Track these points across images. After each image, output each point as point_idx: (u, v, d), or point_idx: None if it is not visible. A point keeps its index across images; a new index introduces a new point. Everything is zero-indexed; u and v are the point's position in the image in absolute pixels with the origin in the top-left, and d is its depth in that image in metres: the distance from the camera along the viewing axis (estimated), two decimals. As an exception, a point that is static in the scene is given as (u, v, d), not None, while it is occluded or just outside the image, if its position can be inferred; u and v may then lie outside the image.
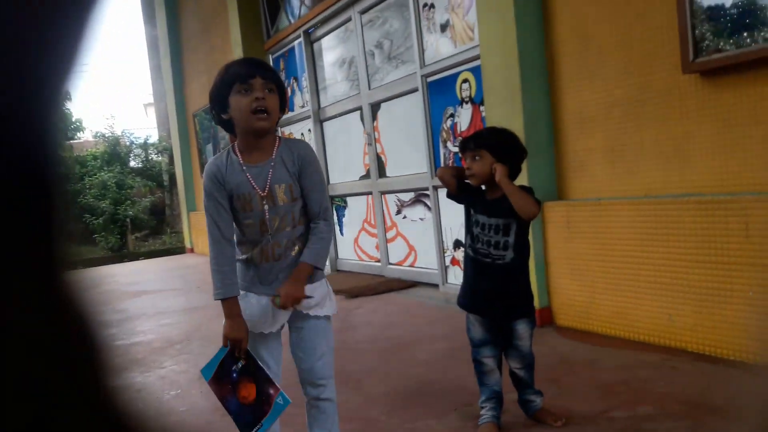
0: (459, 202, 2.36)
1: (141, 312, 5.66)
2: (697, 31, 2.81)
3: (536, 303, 3.56)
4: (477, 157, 2.21)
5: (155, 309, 5.76)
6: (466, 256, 2.33)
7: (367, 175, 6.08)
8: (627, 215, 3.20)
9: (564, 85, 3.61)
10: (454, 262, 4.91)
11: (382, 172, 5.85)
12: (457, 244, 4.84)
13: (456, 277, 4.89)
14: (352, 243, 6.54)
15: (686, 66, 2.85)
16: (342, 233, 6.75)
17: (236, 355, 1.80)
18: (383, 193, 5.84)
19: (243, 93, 1.73)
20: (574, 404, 2.46)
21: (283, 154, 1.82)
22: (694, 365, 2.75)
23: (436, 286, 5.12)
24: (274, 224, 1.81)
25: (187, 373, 3.55)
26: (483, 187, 2.31)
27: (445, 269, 5.02)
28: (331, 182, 6.81)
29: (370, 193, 6.05)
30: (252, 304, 1.84)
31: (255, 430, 1.77)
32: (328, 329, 1.94)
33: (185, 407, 2.97)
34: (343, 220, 6.68)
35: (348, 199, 6.54)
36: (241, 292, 1.84)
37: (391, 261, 5.86)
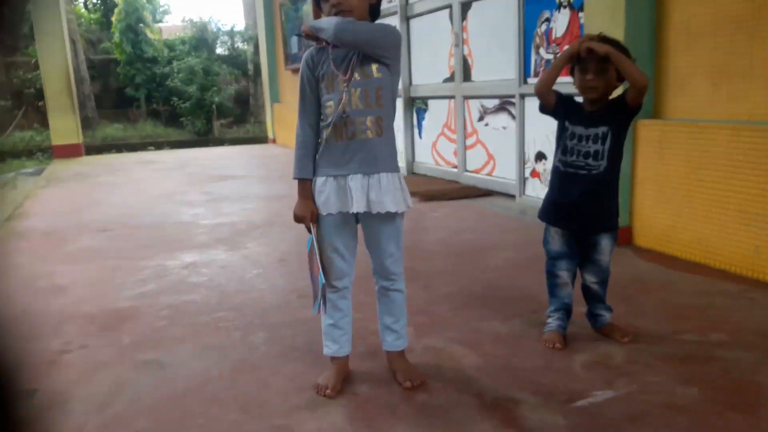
0: (555, 116, 2.29)
1: (225, 195, 5.95)
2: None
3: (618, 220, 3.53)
4: (599, 71, 2.13)
5: (239, 194, 6.03)
6: (555, 170, 2.31)
7: (451, 78, 5.95)
8: (724, 140, 3.03)
9: (676, -6, 3.35)
10: (534, 174, 4.84)
11: (467, 76, 5.70)
12: (539, 156, 4.75)
13: (534, 189, 4.84)
14: (430, 147, 6.53)
15: (821, -21, 2.58)
16: (420, 136, 6.73)
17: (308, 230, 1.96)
18: (466, 98, 5.72)
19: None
20: (644, 323, 2.47)
21: None
22: (774, 299, 2.68)
23: (513, 196, 5.09)
24: (347, 101, 1.86)
25: (269, 255, 3.76)
26: (580, 99, 2.26)
27: (523, 180, 4.96)
28: (413, 83, 6.72)
29: (452, 96, 5.94)
30: (330, 185, 1.92)
31: (314, 304, 1.98)
32: (399, 228, 2.00)
33: (265, 285, 3.18)
34: (423, 123, 6.64)
35: (429, 101, 6.46)
36: (322, 178, 1.93)
37: (468, 168, 5.84)
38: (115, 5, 18.15)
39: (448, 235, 4.09)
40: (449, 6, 5.82)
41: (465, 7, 5.61)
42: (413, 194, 5.37)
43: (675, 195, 3.34)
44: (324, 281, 1.92)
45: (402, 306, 2.09)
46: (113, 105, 17.65)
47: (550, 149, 4.60)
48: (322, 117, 1.95)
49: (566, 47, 2.24)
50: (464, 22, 5.65)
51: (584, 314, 2.42)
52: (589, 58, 2.14)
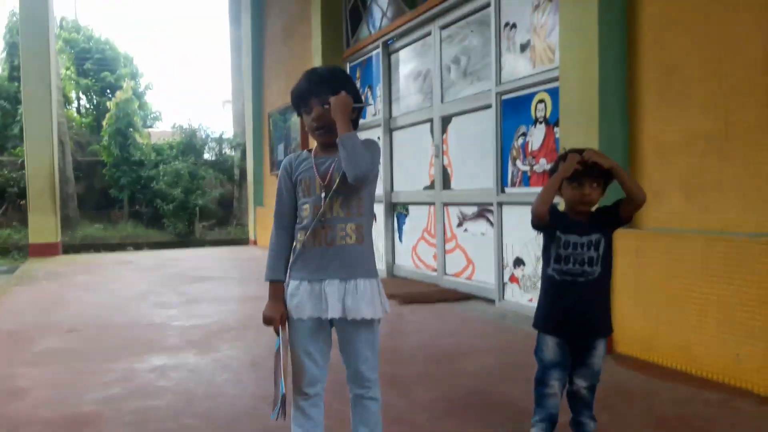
0: (548, 230, 2.27)
1: (200, 297, 5.85)
2: (792, 65, 2.71)
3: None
4: (595, 185, 2.19)
5: (214, 295, 5.94)
6: (550, 279, 2.27)
7: (431, 186, 6.10)
8: (700, 250, 3.09)
9: (644, 113, 3.54)
10: (512, 279, 4.85)
11: (446, 184, 5.85)
12: (517, 262, 4.79)
13: (513, 294, 4.84)
14: (411, 250, 6.57)
15: (777, 101, 2.75)
16: (401, 240, 6.79)
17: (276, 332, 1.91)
18: (446, 204, 5.84)
19: (306, 113, 1.93)
20: (626, 434, 2.39)
21: None
22: (759, 409, 2.63)
23: (492, 301, 5.07)
24: (327, 207, 1.87)
25: (240, 359, 3.64)
26: (561, 209, 2.30)
27: (502, 285, 4.97)
28: (394, 190, 6.87)
29: (432, 203, 6.06)
30: (304, 289, 1.89)
31: (274, 409, 1.88)
32: (375, 333, 1.96)
33: (235, 391, 3.05)
34: (404, 227, 6.72)
35: (410, 207, 6.57)
36: (296, 281, 1.91)
37: (448, 272, 5.85)
38: (108, 110, 18.69)
39: (427, 340, 4.02)
40: (430, 120, 6.07)
41: (445, 121, 5.86)
42: (392, 297, 5.36)
43: (654, 303, 3.35)
44: (284, 388, 1.84)
45: (377, 415, 2.01)
46: (96, 206, 17.68)
47: (527, 255, 4.66)
48: (297, 220, 1.95)
49: (561, 165, 2.21)
50: (444, 135, 5.87)
51: (568, 423, 2.34)
52: (588, 172, 2.20)
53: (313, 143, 2.01)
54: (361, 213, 1.92)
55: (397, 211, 6.84)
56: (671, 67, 3.37)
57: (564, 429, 2.33)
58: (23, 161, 13.14)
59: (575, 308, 2.22)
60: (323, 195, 1.88)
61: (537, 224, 2.29)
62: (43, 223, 10.12)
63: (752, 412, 2.59)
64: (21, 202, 15.04)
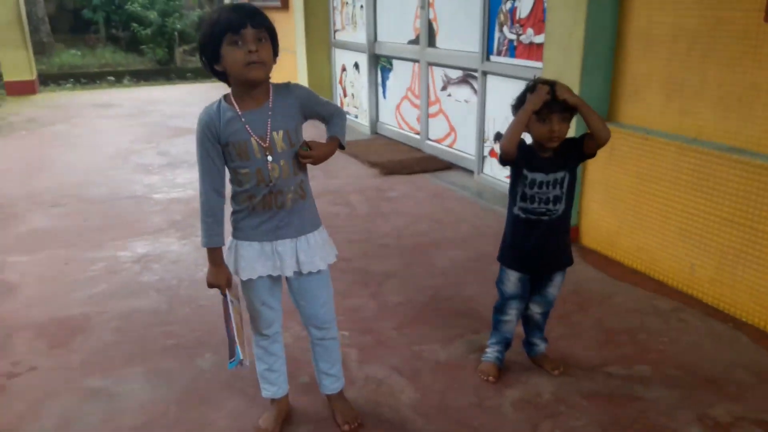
0: (515, 166, 2.23)
1: (181, 158, 5.85)
2: (796, -27, 2.48)
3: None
4: (563, 119, 2.12)
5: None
6: (515, 218, 2.29)
7: (416, 41, 5.82)
8: (671, 156, 3.09)
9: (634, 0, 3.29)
10: (492, 154, 4.86)
11: (432, 41, 5.58)
12: (498, 136, 4.75)
13: (492, 169, 4.88)
14: (394, 109, 6.45)
15: (773, 13, 2.57)
16: (385, 96, 6.64)
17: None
18: (431, 64, 5.62)
19: (235, 45, 1.71)
20: (576, 349, 2.60)
21: (278, 99, 1.83)
22: (704, 321, 2.83)
23: (471, 172, 5.12)
24: (275, 173, 1.83)
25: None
26: (528, 144, 2.25)
27: (482, 159, 4.98)
28: (378, 40, 6.55)
29: (417, 60, 5.83)
30: (255, 250, 1.90)
31: (230, 360, 1.90)
32: (328, 277, 2.03)
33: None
34: (387, 83, 6.53)
35: (394, 62, 6.32)
36: (244, 242, 1.90)
37: (430, 137, 5.82)
38: None
39: (403, 223, 4.14)
40: (416, -35, 5.61)
41: (432, -32, 5.41)
42: (374, 165, 5.41)
43: (621, 201, 3.42)
44: (241, 354, 1.86)
45: (337, 350, 2.16)
46: (69, 29, 16.81)
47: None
48: (235, 183, 1.88)
49: (528, 98, 2.12)
50: (430, -16, 5.47)
51: (521, 341, 2.53)
52: (557, 107, 2.12)
53: (224, 88, 1.84)
54: (303, 168, 1.91)
55: (381, 64, 6.59)
56: (671, -50, 3.07)
57: (517, 343, 2.53)
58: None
59: (538, 246, 2.27)
60: (269, 159, 1.81)
61: (504, 160, 2.26)
62: (15, 59, 9.71)
63: (696, 326, 2.78)
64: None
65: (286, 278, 1.99)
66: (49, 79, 12.50)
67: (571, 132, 2.44)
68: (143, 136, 6.87)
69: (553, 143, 2.17)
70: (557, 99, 2.08)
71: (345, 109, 7.49)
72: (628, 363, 2.50)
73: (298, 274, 1.96)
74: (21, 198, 4.68)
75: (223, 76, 1.81)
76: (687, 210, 3.04)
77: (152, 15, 14.41)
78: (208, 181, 1.85)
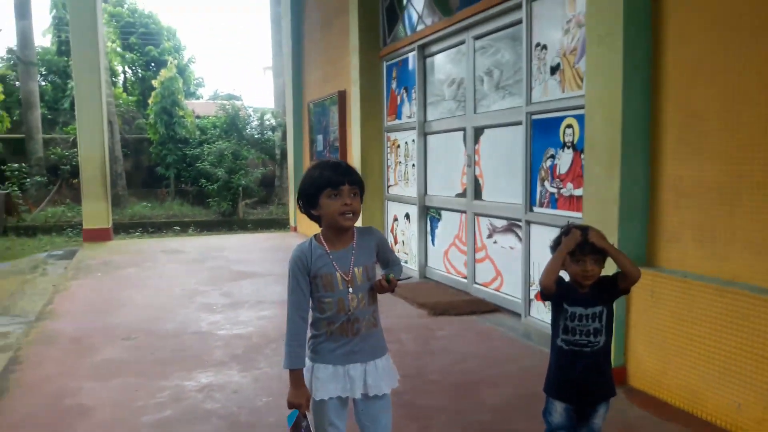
0: (556, 300, 2.46)
1: (243, 299, 6.22)
2: (803, 133, 2.80)
3: (612, 362, 3.70)
4: (595, 261, 2.38)
5: (257, 297, 6.30)
6: (559, 349, 2.47)
7: (463, 194, 6.28)
8: (709, 298, 3.24)
9: (664, 156, 3.64)
10: (538, 297, 5.05)
11: (478, 195, 6.03)
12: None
13: (538, 311, 5.04)
14: (442, 255, 6.80)
15: (787, 166, 2.85)
16: (433, 243, 7.02)
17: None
18: (477, 215, 6.02)
19: (333, 197, 2.07)
20: (624, 485, 2.62)
21: (360, 240, 2.18)
22: (754, 461, 2.81)
23: (518, 315, 5.29)
24: (353, 303, 2.11)
25: (279, 379, 3.97)
26: (567, 281, 2.49)
27: (528, 301, 5.17)
28: (428, 193, 7.07)
29: (464, 211, 6.25)
30: (329, 372, 2.13)
31: None
32: (389, 403, 2.23)
33: (273, 418, 3.38)
34: (436, 231, 6.94)
35: (443, 212, 6.78)
36: (321, 365, 2.13)
37: (477, 281, 6.07)
38: (153, 88, 19.22)
39: (451, 362, 4.28)
40: (463, 129, 6.22)
41: (478, 132, 6.00)
42: (423, 306, 5.65)
43: (665, 343, 3.52)
44: None
45: None
46: (143, 183, 18.40)
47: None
48: (317, 311, 2.14)
49: (563, 241, 2.38)
50: (477, 145, 6.02)
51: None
52: (588, 249, 2.39)
53: (304, 226, 2.21)
54: (375, 299, 2.19)
55: (430, 215, 7.06)
56: (692, 114, 3.46)
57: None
58: (75, 139, 13.77)
59: (582, 377, 2.43)
60: (350, 290, 2.11)
61: (545, 295, 2.49)
62: (95, 209, 10.69)
63: (747, 465, 2.78)
64: (73, 181, 15.78)
65: (353, 400, 2.18)
66: (121, 228, 13.57)
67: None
68: (208, 279, 7.35)
69: (587, 281, 2.41)
70: (588, 242, 2.36)
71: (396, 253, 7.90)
72: (678, 499, 2.51)
73: (365, 396, 2.16)
74: (96, 332, 5.06)
75: (316, 219, 2.16)
76: (729, 349, 3.13)
77: (220, 172, 15.73)
78: (295, 308, 2.12)
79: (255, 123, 18.30)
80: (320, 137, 10.43)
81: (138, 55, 26.24)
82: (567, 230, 2.45)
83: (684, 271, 3.49)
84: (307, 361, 2.16)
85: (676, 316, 3.45)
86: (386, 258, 2.28)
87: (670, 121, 3.61)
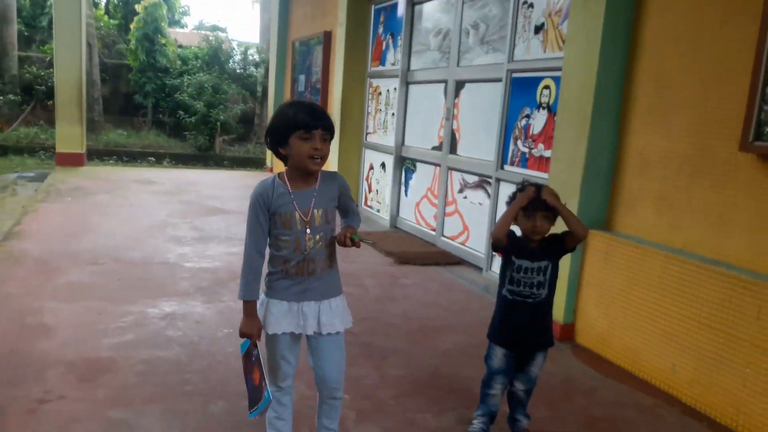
0: (505, 252, 2.60)
1: (213, 234, 6.27)
2: (763, 116, 2.88)
3: (561, 319, 3.88)
4: (545, 217, 2.48)
5: (227, 233, 6.35)
6: (503, 299, 2.61)
7: (439, 147, 6.33)
8: (658, 264, 3.38)
9: (633, 123, 3.72)
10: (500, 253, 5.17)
11: (453, 149, 6.08)
12: (507, 238, 5.10)
13: (499, 266, 5.17)
14: (414, 206, 6.89)
15: (744, 145, 2.95)
16: (406, 194, 7.10)
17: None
18: (450, 168, 6.09)
19: (304, 140, 2.08)
20: (556, 429, 2.80)
21: (323, 184, 2.20)
22: (680, 417, 3.01)
23: (480, 269, 5.44)
24: (310, 243, 2.15)
25: (241, 312, 4.06)
26: (519, 235, 2.59)
27: (491, 257, 5.31)
28: (405, 143, 7.10)
29: (438, 164, 6.32)
30: (284, 308, 2.19)
31: (251, 410, 2.17)
32: (342, 341, 2.29)
33: (232, 348, 3.48)
34: (410, 182, 7.01)
35: (418, 164, 6.83)
36: (275, 300, 2.19)
37: (445, 233, 6.19)
38: (136, 12, 18.64)
39: (411, 308, 4.42)
40: (445, 81, 6.22)
41: (459, 85, 6.01)
42: (390, 255, 5.75)
43: (613, 303, 3.68)
44: (270, 395, 2.12)
45: (339, 409, 2.39)
46: (120, 110, 18.02)
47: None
48: (273, 248, 2.19)
49: (518, 196, 2.52)
50: (456, 99, 6.04)
51: (506, 417, 2.75)
52: (539, 206, 2.48)
53: (280, 167, 2.23)
54: (332, 242, 2.23)
55: (405, 165, 7.11)
56: (664, 85, 3.53)
57: (503, 420, 2.74)
58: (51, 59, 13.38)
59: (522, 326, 2.57)
60: (307, 231, 2.15)
61: (496, 246, 2.61)
62: (69, 133, 10.49)
63: (672, 421, 2.97)
64: (48, 102, 15.42)
65: (307, 338, 2.25)
66: (95, 154, 13.36)
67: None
68: (179, 211, 7.36)
69: (536, 236, 2.52)
70: (541, 199, 2.46)
71: (369, 203, 7.97)
72: (605, 446, 2.69)
73: (318, 334, 2.22)
74: (63, 256, 5.08)
75: (282, 157, 2.18)
76: (670, 314, 3.30)
77: (199, 105, 15.48)
78: (253, 242, 2.17)
79: (238, 57, 17.95)
80: (303, 77, 10.31)
81: (121, -23, 25.30)
82: (522, 187, 2.55)
83: (639, 237, 3.62)
84: (262, 296, 2.22)
85: (626, 279, 3.60)
86: (347, 206, 2.30)
87: (642, 90, 3.67)
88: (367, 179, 8.11)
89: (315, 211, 2.16)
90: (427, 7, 6.76)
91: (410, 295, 4.72)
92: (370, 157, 8.02)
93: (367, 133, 8.14)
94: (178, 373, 3.14)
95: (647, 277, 3.46)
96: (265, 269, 2.22)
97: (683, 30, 3.42)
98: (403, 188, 7.19)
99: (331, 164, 8.27)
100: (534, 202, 2.48)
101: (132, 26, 18.41)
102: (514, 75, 5.09)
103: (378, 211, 7.66)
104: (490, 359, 2.66)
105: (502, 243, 2.56)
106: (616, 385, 3.36)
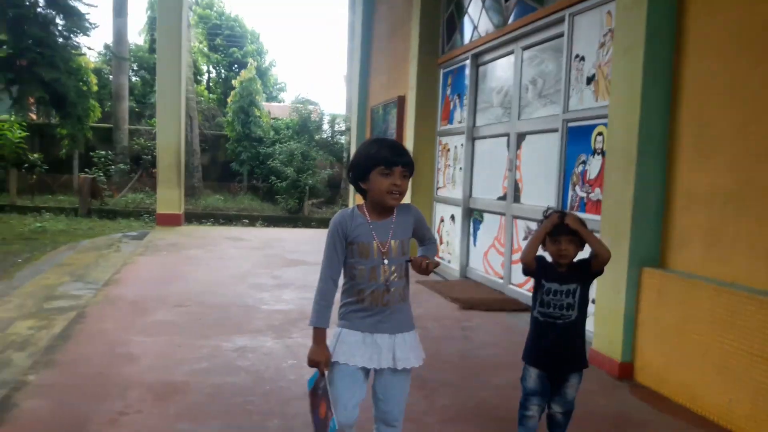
0: (535, 276, 2.74)
1: (291, 282, 6.67)
2: (800, 142, 2.92)
3: (619, 357, 3.89)
4: (570, 242, 2.64)
5: (304, 281, 6.73)
6: (535, 320, 2.76)
7: (503, 197, 6.50)
8: (709, 298, 3.38)
9: (678, 162, 3.79)
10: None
11: (517, 198, 6.24)
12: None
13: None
14: (482, 255, 7.02)
15: (783, 173, 2.98)
16: (475, 244, 7.25)
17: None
18: (515, 217, 6.23)
19: (384, 175, 2.12)
20: (597, 457, 2.83)
21: (399, 216, 2.24)
22: (732, 452, 2.95)
23: (544, 315, 5.46)
24: (386, 274, 2.16)
25: (306, 347, 4.33)
26: (549, 260, 2.75)
27: (554, 302, 5.34)
28: (473, 196, 7.32)
29: (503, 214, 6.47)
30: (357, 338, 2.18)
31: None
32: (409, 379, 2.28)
33: (294, 376, 3.75)
34: (478, 233, 7.17)
35: (485, 214, 7.01)
36: (348, 330, 2.19)
37: (512, 281, 6.27)
38: (233, 87, 20.26)
39: (469, 348, 4.53)
40: (507, 134, 6.45)
41: (520, 138, 6.22)
42: (455, 300, 5.89)
43: (668, 340, 3.67)
44: (336, 424, 2.03)
45: None
46: (218, 177, 19.41)
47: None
48: (349, 277, 2.20)
49: (543, 223, 2.70)
50: (518, 150, 6.24)
51: (546, 441, 2.82)
52: (563, 231, 2.65)
53: (359, 199, 2.30)
54: (407, 275, 2.26)
55: (473, 217, 7.30)
56: (705, 123, 3.61)
57: (543, 446, 2.81)
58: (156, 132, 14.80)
59: (553, 346, 2.69)
60: (385, 261, 2.17)
61: (525, 271, 2.77)
62: (169, 196, 11.49)
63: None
64: (153, 170, 16.91)
65: (375, 373, 2.21)
66: (194, 217, 14.44)
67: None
68: (262, 263, 7.86)
69: (562, 260, 2.66)
70: (564, 224, 2.62)
71: (440, 255, 8.17)
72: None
73: (392, 369, 2.19)
74: (153, 299, 5.61)
75: (361, 191, 2.22)
76: (724, 347, 3.26)
77: (289, 170, 16.44)
78: (328, 270, 2.18)
79: (326, 126, 18.99)
80: (380, 139, 10.80)
81: (222, 56, 27.64)
82: (547, 214, 2.72)
83: (689, 272, 3.63)
84: (335, 327, 2.23)
85: (679, 314, 3.59)
86: (422, 234, 2.32)
87: (685, 129, 3.76)
88: (438, 231, 8.34)
89: (392, 242, 2.18)
90: (489, 68, 7.09)
91: (469, 336, 4.83)
92: (441, 211, 8.27)
93: (437, 188, 8.43)
94: (242, 395, 3.43)
95: (698, 310, 3.45)
96: (338, 300, 2.24)
97: (720, 70, 3.52)
98: (471, 239, 7.35)
99: (405, 219, 8.58)
100: (558, 228, 2.64)
101: (229, 100, 20.02)
102: (570, 124, 5.26)
103: (449, 262, 7.83)
104: (525, 380, 2.77)
105: (531, 267, 2.72)
106: (670, 421, 3.32)
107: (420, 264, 2.17)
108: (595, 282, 2.78)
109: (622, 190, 4.00)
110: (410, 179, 2.20)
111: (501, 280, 6.49)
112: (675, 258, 3.79)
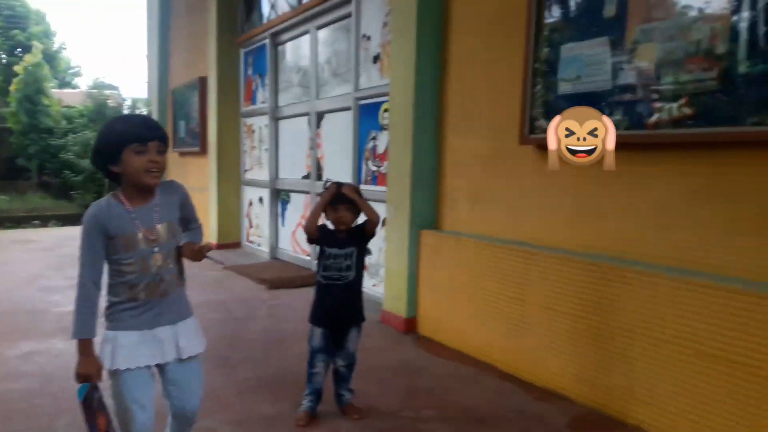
0: (318, 243, 2.95)
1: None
2: (534, 113, 3.42)
3: (404, 313, 4.25)
4: (347, 209, 2.86)
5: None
6: (319, 284, 2.96)
7: (307, 176, 6.69)
8: (472, 251, 3.84)
9: (448, 133, 4.23)
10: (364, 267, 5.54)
11: (320, 176, 6.46)
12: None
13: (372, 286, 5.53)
14: (290, 235, 7.18)
15: (522, 139, 3.48)
16: (283, 225, 7.39)
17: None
18: (319, 195, 6.44)
19: (139, 153, 1.92)
20: (383, 403, 3.13)
21: (163, 196, 2.06)
22: (496, 382, 3.42)
23: (348, 285, 5.76)
24: (158, 262, 1.99)
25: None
26: (332, 227, 2.96)
27: (356, 271, 5.66)
28: (279, 176, 7.43)
29: (308, 192, 6.67)
30: (135, 339, 1.98)
31: None
32: (201, 366, 2.17)
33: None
34: (285, 213, 7.31)
35: (291, 194, 7.16)
36: (123, 332, 1.98)
37: (318, 256, 6.50)
38: (16, 74, 18.20)
39: (273, 323, 4.67)
40: (308, 114, 6.63)
41: (320, 116, 6.43)
42: (262, 281, 5.98)
43: (442, 293, 4.12)
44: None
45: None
46: (2, 175, 17.40)
47: (373, 246, 5.35)
48: (113, 273, 1.99)
49: (323, 194, 2.93)
50: (318, 129, 6.45)
51: (333, 394, 3.05)
52: (341, 200, 2.87)
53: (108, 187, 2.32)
54: (180, 258, 2.10)
55: (281, 197, 7.41)
56: (468, 97, 4.06)
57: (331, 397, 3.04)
58: None
59: (335, 305, 2.92)
60: (155, 250, 2.00)
61: (310, 239, 2.96)
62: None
63: (487, 385, 3.38)
64: None
65: (161, 370, 2.07)
66: (-26, 221, 12.86)
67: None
68: (55, 264, 7.29)
69: (341, 226, 2.89)
70: (341, 194, 2.85)
71: (251, 238, 8.19)
72: (418, 408, 3.05)
73: (178, 360, 2.06)
74: None
75: (113, 176, 2.00)
76: (485, 291, 3.74)
77: (85, 163, 15.25)
78: (89, 273, 1.95)
79: (126, 111, 17.83)
80: (182, 123, 10.46)
81: (2, 39, 24.61)
82: (327, 186, 2.93)
83: (458, 231, 4.08)
84: (105, 332, 2.02)
85: (451, 269, 4.04)
86: (188, 217, 2.17)
87: (451, 102, 4.19)
88: (247, 215, 8.34)
89: (159, 226, 2.01)
90: (288, 47, 7.20)
91: (275, 314, 4.97)
92: (249, 194, 8.27)
93: (245, 171, 8.40)
94: (27, 400, 3.24)
95: (465, 263, 3.90)
96: (103, 302, 2.03)
97: (476, 49, 3.98)
98: (280, 219, 7.47)
99: (211, 205, 8.46)
100: (337, 197, 2.87)
101: (12, 88, 17.97)
102: (361, 102, 5.56)
103: (259, 245, 7.89)
104: (311, 340, 2.97)
105: (314, 236, 2.92)
106: (443, 362, 3.75)
107: (191, 249, 2.08)
108: (384, 247, 3.05)
109: (402, 161, 4.36)
110: (166, 154, 2.02)
111: (308, 257, 6.70)
112: (447, 219, 4.24)
